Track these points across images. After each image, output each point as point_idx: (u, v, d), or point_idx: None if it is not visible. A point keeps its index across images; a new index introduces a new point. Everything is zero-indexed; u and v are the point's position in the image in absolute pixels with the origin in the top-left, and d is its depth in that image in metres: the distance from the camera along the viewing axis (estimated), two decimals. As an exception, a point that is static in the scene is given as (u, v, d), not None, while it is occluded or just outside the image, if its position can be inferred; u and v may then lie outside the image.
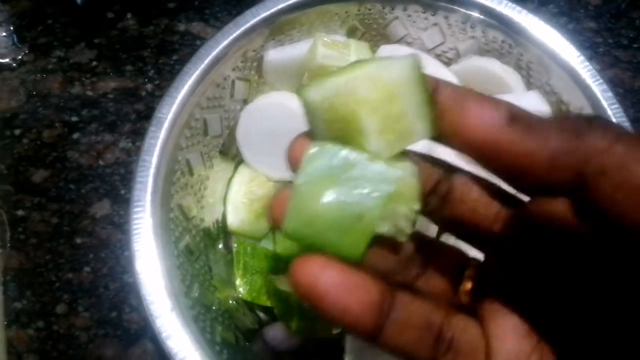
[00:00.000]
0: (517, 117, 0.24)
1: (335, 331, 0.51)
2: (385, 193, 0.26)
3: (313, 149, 0.27)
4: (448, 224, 0.30)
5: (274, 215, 0.27)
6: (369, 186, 0.26)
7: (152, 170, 0.47)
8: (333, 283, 0.24)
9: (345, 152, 0.26)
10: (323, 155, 0.27)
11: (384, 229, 0.26)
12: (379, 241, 0.26)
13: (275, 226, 0.27)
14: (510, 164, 0.24)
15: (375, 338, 0.25)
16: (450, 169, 0.29)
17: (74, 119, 0.69)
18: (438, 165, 0.29)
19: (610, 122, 0.24)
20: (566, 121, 0.23)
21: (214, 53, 0.51)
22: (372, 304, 0.25)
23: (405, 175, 0.26)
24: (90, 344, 0.60)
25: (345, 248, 0.26)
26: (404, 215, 0.26)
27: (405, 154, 0.27)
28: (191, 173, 0.52)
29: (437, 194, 0.29)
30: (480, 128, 0.24)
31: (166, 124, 0.49)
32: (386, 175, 0.26)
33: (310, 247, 0.26)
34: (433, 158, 0.30)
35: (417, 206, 0.26)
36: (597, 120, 0.22)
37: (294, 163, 0.27)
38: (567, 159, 0.22)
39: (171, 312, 0.44)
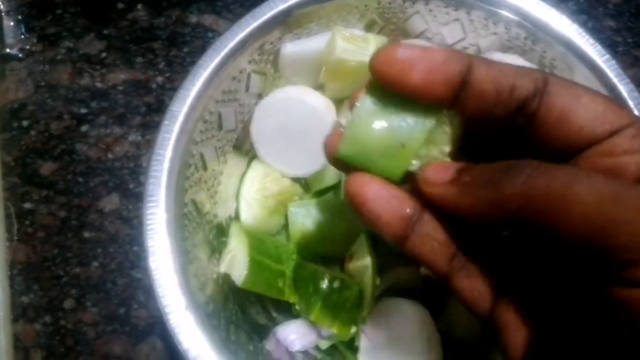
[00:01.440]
0: (460, 174, 0.29)
1: (352, 330, 0.50)
2: (427, 127, 0.31)
3: (367, 94, 0.32)
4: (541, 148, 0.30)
5: (328, 147, 0.33)
6: (413, 121, 0.31)
7: (166, 165, 0.46)
8: (374, 193, 0.31)
9: (397, 97, 0.31)
10: (378, 97, 0.32)
11: (415, 167, 0.32)
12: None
13: (329, 156, 0.33)
14: (455, 213, 0.30)
15: (401, 243, 0.31)
16: (544, 79, 0.30)
17: (83, 110, 0.68)
18: (528, 75, 0.30)
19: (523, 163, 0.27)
20: (486, 173, 0.28)
21: (231, 45, 0.50)
22: (403, 215, 0.30)
23: (440, 122, 0.31)
24: (98, 340, 0.59)
25: (388, 169, 0.32)
26: (434, 157, 0.32)
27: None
28: (205, 168, 0.51)
29: (526, 112, 0.30)
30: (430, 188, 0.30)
31: (181, 117, 0.48)
32: (427, 115, 0.31)
33: (359, 166, 0.32)
34: (519, 69, 0.30)
35: (447, 149, 0.32)
36: (512, 167, 0.27)
37: (330, 154, 0.33)
38: (491, 210, 0.27)
39: (186, 309, 0.43)
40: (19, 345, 0.59)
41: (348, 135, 0.32)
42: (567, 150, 0.29)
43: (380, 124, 0.31)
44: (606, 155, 0.28)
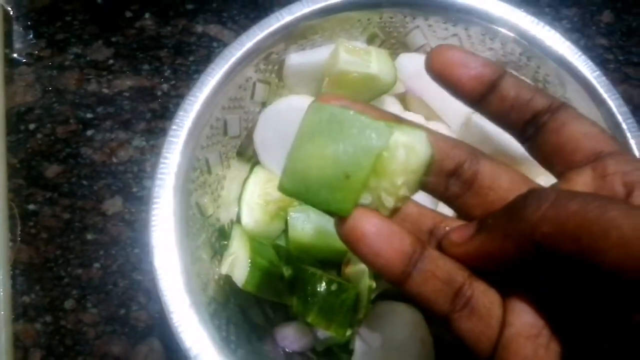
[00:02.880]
0: (482, 222, 0.29)
1: (347, 333, 0.52)
2: (373, 154, 0.28)
3: (313, 106, 0.29)
4: (470, 213, 0.32)
5: None
6: (360, 146, 0.28)
7: (173, 167, 0.48)
8: (371, 229, 0.28)
9: (345, 112, 0.28)
10: (323, 112, 0.29)
11: (367, 201, 0.28)
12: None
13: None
14: (488, 264, 0.29)
15: (402, 283, 0.29)
16: (475, 154, 0.32)
17: (89, 115, 0.70)
18: (460, 147, 0.32)
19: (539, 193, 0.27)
20: (507, 208, 0.28)
21: (239, 54, 0.52)
22: (403, 253, 0.28)
23: (397, 146, 0.28)
24: (98, 340, 0.60)
25: (334, 205, 0.28)
26: (386, 190, 0.28)
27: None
28: (209, 172, 0.53)
29: (460, 179, 0.32)
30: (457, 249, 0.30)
31: (190, 121, 0.49)
32: (377, 139, 0.28)
33: (306, 203, 0.29)
34: (456, 140, 0.33)
35: (400, 180, 0.28)
36: (533, 195, 0.27)
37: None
38: (520, 243, 0.26)
39: (189, 308, 0.44)
40: (19, 345, 0.59)
41: (288, 165, 0.29)
42: (564, 164, 0.31)
43: (321, 149, 0.28)
44: (598, 174, 0.29)
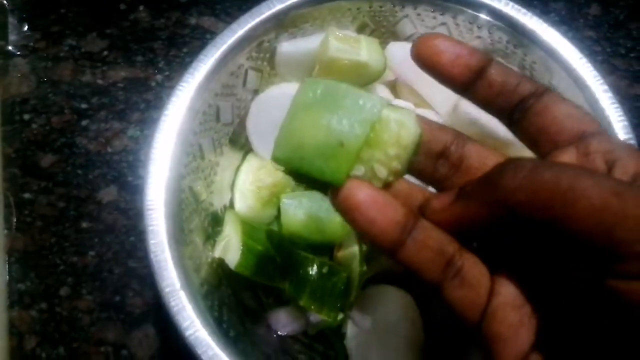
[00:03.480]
0: (461, 190, 0.30)
1: (339, 317, 0.52)
2: (368, 124, 0.28)
3: (307, 80, 0.30)
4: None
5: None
6: (354, 116, 0.28)
7: (168, 150, 0.49)
8: (365, 199, 0.28)
9: (339, 84, 0.29)
10: (317, 85, 0.30)
11: (359, 172, 0.29)
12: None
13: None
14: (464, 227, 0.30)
15: (395, 252, 0.29)
16: (461, 137, 0.33)
17: (84, 106, 0.70)
18: (446, 131, 0.33)
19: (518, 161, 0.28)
20: (486, 176, 0.29)
21: (231, 41, 0.52)
22: (397, 222, 0.29)
23: (389, 119, 0.29)
24: (93, 327, 0.60)
25: (328, 173, 0.29)
26: (379, 160, 0.29)
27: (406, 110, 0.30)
28: (202, 157, 0.53)
29: (448, 161, 0.33)
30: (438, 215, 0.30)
31: (183, 106, 0.50)
32: (371, 109, 0.29)
33: (297, 171, 0.30)
34: (442, 125, 0.34)
35: (393, 151, 0.29)
36: (511, 164, 0.28)
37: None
38: (496, 208, 0.28)
39: (181, 289, 0.45)
40: (14, 331, 0.60)
41: (282, 134, 0.30)
42: (549, 145, 0.32)
43: (316, 119, 0.29)
44: (581, 153, 0.30)
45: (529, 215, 0.26)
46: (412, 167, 0.32)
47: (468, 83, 0.33)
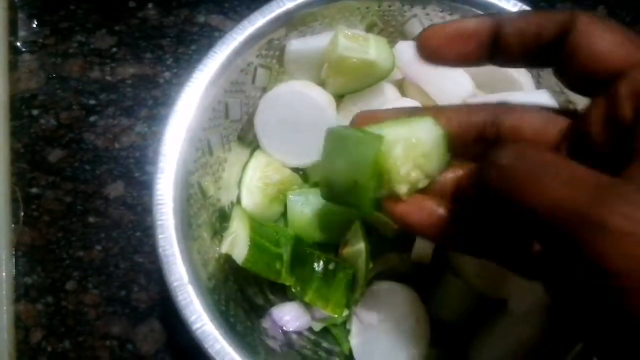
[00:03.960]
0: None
1: (344, 313, 0.53)
2: (368, 161, 0.33)
3: (329, 130, 0.37)
4: None
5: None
6: (356, 156, 0.34)
7: (177, 145, 0.49)
8: (404, 209, 0.34)
9: (343, 130, 0.36)
10: (334, 134, 0.36)
11: (382, 194, 0.35)
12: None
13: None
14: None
15: (437, 240, 0.35)
16: (494, 112, 0.34)
17: (92, 102, 0.70)
18: (476, 113, 0.34)
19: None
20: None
21: (241, 39, 0.52)
22: (433, 221, 0.34)
23: (395, 143, 0.33)
24: (98, 321, 0.61)
25: (357, 204, 0.35)
26: (395, 181, 0.34)
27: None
28: (211, 154, 0.53)
29: (487, 142, 0.33)
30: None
31: (194, 102, 0.50)
32: (369, 145, 0.33)
33: (343, 205, 0.37)
34: (470, 107, 0.35)
35: (404, 170, 0.34)
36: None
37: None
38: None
39: (189, 283, 0.45)
40: (20, 325, 0.60)
41: (321, 180, 0.38)
42: (594, 80, 0.29)
43: (334, 164, 0.35)
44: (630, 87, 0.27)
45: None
46: (457, 156, 0.35)
47: (488, 55, 0.33)
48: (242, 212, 0.54)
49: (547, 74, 0.56)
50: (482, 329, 0.52)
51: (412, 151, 0.33)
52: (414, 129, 0.33)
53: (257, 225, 0.52)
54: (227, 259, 0.51)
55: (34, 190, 0.66)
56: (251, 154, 0.59)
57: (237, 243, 0.50)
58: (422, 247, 0.52)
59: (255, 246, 0.50)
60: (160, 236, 0.46)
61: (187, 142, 0.50)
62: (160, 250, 0.46)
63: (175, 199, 0.48)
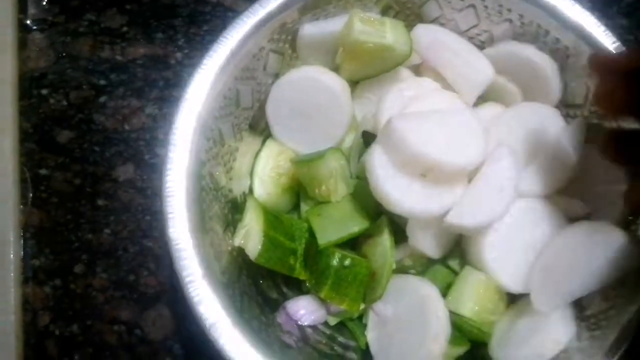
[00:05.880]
0: None
1: (361, 306, 0.50)
2: None
3: None
4: None
5: None
6: None
7: (188, 135, 0.46)
8: None
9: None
10: None
11: None
12: None
13: None
14: None
15: None
16: None
17: (102, 82, 0.67)
18: None
19: None
20: None
21: (252, 22, 0.49)
22: None
23: None
24: (106, 305, 0.59)
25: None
26: None
27: None
28: (222, 143, 0.51)
29: None
30: None
31: (204, 89, 0.47)
32: None
33: None
34: None
35: None
36: None
37: None
38: None
39: (203, 278, 0.43)
40: (28, 307, 0.58)
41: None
42: None
43: None
44: None
45: None
46: None
47: None
48: (256, 203, 0.51)
49: (574, 58, 0.53)
50: (505, 327, 0.50)
51: None
52: None
53: (271, 218, 0.50)
54: (241, 252, 0.49)
55: (43, 171, 0.64)
56: (263, 143, 0.57)
57: (250, 236, 0.48)
58: (431, 242, 0.50)
59: (269, 241, 0.48)
60: (171, 229, 0.44)
61: (198, 132, 0.47)
62: (172, 244, 0.43)
63: (187, 191, 0.45)
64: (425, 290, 0.49)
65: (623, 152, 0.39)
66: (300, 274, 0.50)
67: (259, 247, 0.47)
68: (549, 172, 0.49)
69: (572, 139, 0.47)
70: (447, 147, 0.45)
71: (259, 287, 0.52)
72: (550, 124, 0.50)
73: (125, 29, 0.70)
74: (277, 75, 0.55)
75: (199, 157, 0.47)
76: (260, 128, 0.56)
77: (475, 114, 0.48)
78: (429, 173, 0.46)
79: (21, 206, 0.62)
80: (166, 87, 0.67)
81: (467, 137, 0.46)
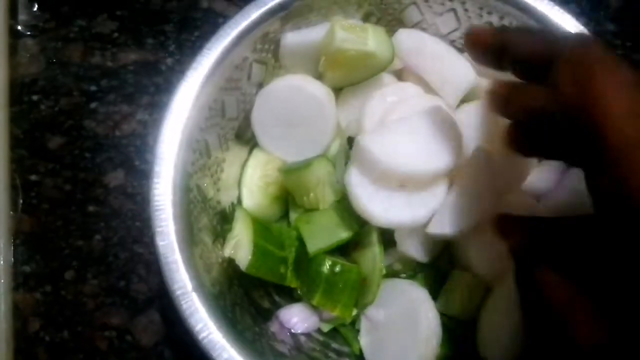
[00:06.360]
0: None
1: (353, 312, 0.50)
2: None
3: None
4: None
5: None
6: None
7: (174, 148, 0.46)
8: None
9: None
10: None
11: None
12: None
13: None
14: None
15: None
16: None
17: (93, 88, 0.67)
18: None
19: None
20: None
21: (235, 33, 0.49)
22: None
23: None
24: (97, 312, 0.59)
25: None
26: None
27: None
28: (209, 155, 0.51)
29: None
30: None
31: (189, 102, 0.47)
32: None
33: None
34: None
35: None
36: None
37: None
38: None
39: (193, 291, 0.43)
40: (18, 314, 0.58)
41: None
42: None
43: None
44: None
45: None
46: None
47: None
48: (245, 213, 0.51)
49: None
50: (486, 322, 0.49)
51: None
52: None
53: (261, 228, 0.50)
54: (231, 263, 0.48)
55: (33, 177, 0.63)
56: (250, 153, 0.56)
57: (240, 247, 0.48)
58: (419, 247, 0.50)
59: (259, 251, 0.48)
60: (160, 243, 0.43)
61: (184, 144, 0.47)
62: (161, 258, 0.43)
63: (174, 204, 0.45)
64: (415, 293, 0.49)
65: (526, 142, 0.39)
66: (292, 282, 0.50)
67: (250, 257, 0.47)
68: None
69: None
70: (418, 156, 0.45)
71: (250, 297, 0.52)
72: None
73: (116, 34, 0.70)
74: (261, 85, 0.55)
75: (185, 169, 0.47)
76: (246, 138, 0.56)
77: (449, 114, 0.48)
78: (407, 183, 0.46)
79: (11, 212, 0.61)
80: (157, 93, 0.67)
81: (440, 140, 0.46)
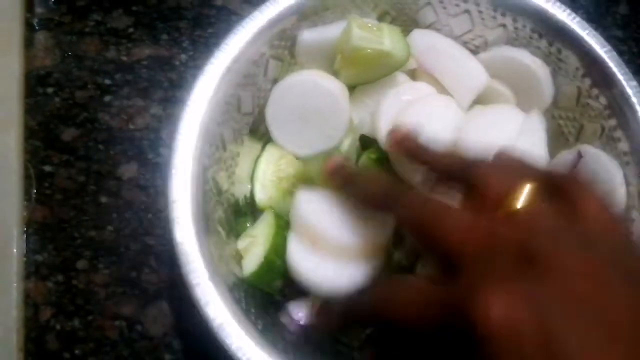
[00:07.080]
0: None
1: None
2: None
3: None
4: None
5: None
6: None
7: (192, 141, 0.46)
8: None
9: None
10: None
11: None
12: None
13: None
14: None
15: None
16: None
17: (107, 82, 0.67)
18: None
19: None
20: None
21: (252, 30, 0.50)
22: None
23: None
24: (108, 301, 0.59)
25: None
26: None
27: None
28: (224, 148, 0.51)
29: None
30: None
31: (207, 96, 0.48)
32: None
33: None
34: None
35: None
36: None
37: None
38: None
39: (209, 281, 0.43)
40: (29, 302, 0.58)
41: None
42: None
43: None
44: None
45: None
46: None
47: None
48: (273, 222, 0.51)
49: (566, 65, 0.53)
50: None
51: None
52: None
53: (280, 242, 0.50)
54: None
55: (47, 168, 0.64)
56: (263, 148, 0.57)
57: (251, 250, 0.48)
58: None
59: (266, 264, 0.48)
60: (178, 234, 0.44)
61: (202, 137, 0.47)
62: (178, 247, 0.43)
63: (192, 195, 0.45)
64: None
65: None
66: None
67: (255, 268, 0.48)
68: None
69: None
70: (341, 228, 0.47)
71: (261, 289, 0.52)
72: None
73: (131, 30, 0.70)
74: (276, 81, 0.55)
75: (202, 162, 0.47)
76: (260, 133, 0.56)
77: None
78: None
79: (25, 202, 0.62)
80: (170, 88, 0.67)
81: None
